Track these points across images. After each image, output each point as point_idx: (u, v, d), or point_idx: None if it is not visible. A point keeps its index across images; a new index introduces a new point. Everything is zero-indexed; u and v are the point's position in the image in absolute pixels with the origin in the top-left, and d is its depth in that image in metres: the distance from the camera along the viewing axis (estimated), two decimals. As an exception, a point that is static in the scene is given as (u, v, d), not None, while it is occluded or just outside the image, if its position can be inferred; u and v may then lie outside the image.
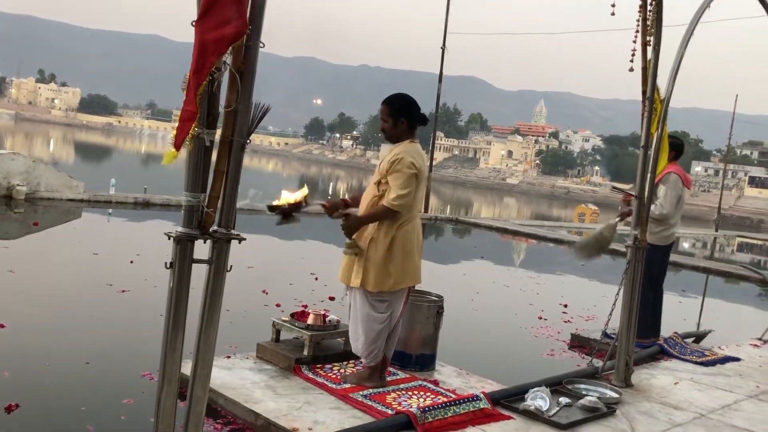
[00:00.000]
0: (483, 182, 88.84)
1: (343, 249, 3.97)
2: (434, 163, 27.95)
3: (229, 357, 4.39)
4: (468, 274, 10.79)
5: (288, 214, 3.60)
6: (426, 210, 18.99)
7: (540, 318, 7.18)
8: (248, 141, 2.29)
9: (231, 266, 2.32)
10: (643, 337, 5.74)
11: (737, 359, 5.88)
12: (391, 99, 4.05)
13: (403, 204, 3.83)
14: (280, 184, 41.44)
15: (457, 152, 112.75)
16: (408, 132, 3.99)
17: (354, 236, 3.91)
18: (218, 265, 2.30)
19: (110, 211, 12.74)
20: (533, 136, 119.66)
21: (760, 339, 6.79)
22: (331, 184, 53.33)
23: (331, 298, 6.56)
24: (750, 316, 9.35)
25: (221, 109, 2.26)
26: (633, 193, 4.75)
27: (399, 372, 4.41)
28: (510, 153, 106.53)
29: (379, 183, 3.94)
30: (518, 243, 16.03)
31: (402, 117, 3.96)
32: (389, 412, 3.66)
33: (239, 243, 2.32)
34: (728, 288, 12.32)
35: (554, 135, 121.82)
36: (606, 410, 4.07)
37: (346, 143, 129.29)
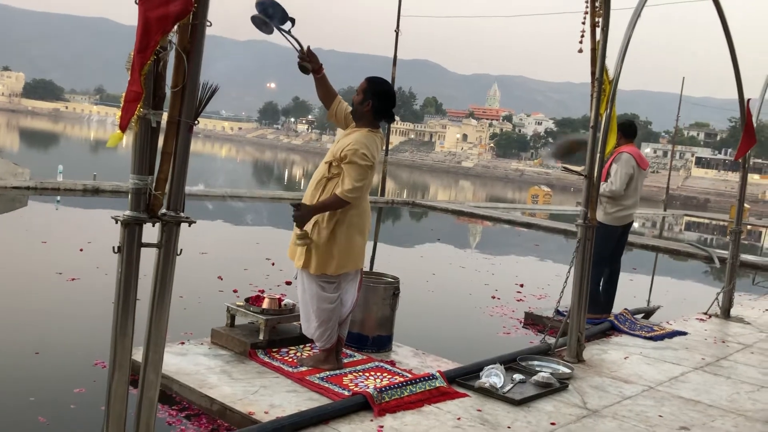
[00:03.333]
0: (439, 165, 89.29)
1: (293, 240, 3.94)
2: (390, 146, 27.94)
3: (183, 343, 4.34)
4: (424, 256, 10.86)
5: (271, 13, 3.56)
6: (383, 193, 19.01)
7: (494, 297, 7.28)
8: (196, 122, 2.25)
9: (181, 250, 2.29)
10: (595, 313, 5.88)
11: (684, 333, 6.06)
12: (374, 79, 4.06)
13: (357, 196, 3.82)
14: (234, 169, 40.92)
15: (413, 136, 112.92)
16: (370, 118, 3.97)
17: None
18: (168, 248, 2.27)
19: (58, 198, 12.40)
20: (487, 119, 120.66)
21: (705, 313, 7.02)
22: (287, 169, 52.90)
23: (288, 283, 6.53)
24: (696, 292, 9.65)
25: (168, 90, 2.21)
26: (583, 173, 4.83)
27: (356, 354, 4.43)
28: (465, 136, 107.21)
29: (330, 164, 3.92)
30: (474, 225, 16.19)
31: (370, 99, 3.94)
32: (346, 393, 3.67)
33: (189, 226, 2.29)
34: (676, 265, 12.69)
35: (508, 118, 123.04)
36: (559, 385, 4.16)
37: (301, 127, 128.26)
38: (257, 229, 12.16)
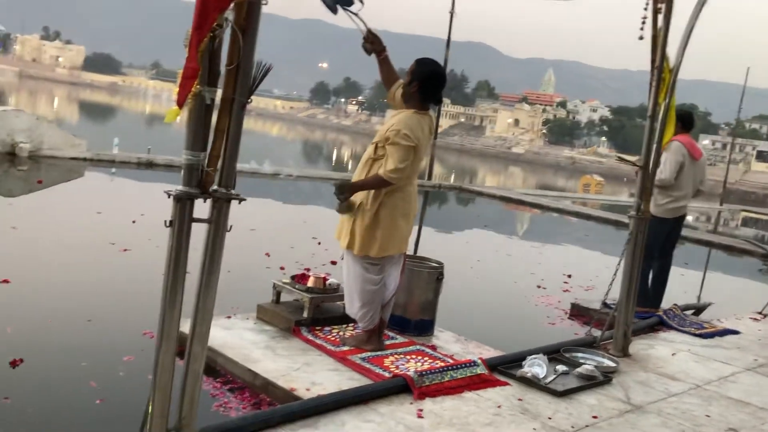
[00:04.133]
0: (488, 150, 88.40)
1: (341, 219, 3.96)
2: (440, 130, 27.77)
3: (229, 317, 4.42)
4: (470, 242, 10.80)
5: None
6: (430, 177, 18.93)
7: (540, 287, 7.19)
8: (250, 100, 2.27)
9: (231, 226, 2.32)
10: (643, 307, 5.75)
11: (736, 332, 5.89)
12: (423, 60, 4.04)
13: (399, 177, 3.80)
14: (284, 149, 41.34)
15: (463, 119, 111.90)
16: (417, 100, 3.95)
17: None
18: (218, 224, 2.30)
19: (113, 170, 12.73)
20: (541, 105, 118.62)
21: (760, 313, 6.80)
22: (335, 150, 53.14)
23: (333, 263, 6.58)
24: (751, 290, 9.36)
25: (223, 68, 2.23)
26: (638, 164, 4.71)
27: (398, 336, 4.44)
28: (517, 122, 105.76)
29: (376, 145, 3.93)
30: (522, 212, 16.01)
31: (417, 81, 3.92)
32: (387, 375, 3.69)
33: (239, 203, 2.32)
34: (730, 262, 12.32)
35: (562, 104, 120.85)
36: (602, 379, 4.10)
37: (351, 108, 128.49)
38: (305, 208, 12.27)
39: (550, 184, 42.84)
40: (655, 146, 4.69)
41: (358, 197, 3.90)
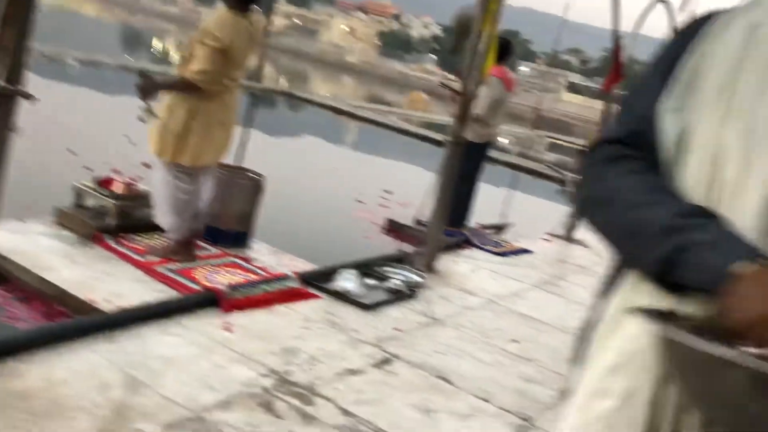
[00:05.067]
0: (322, 57, 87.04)
1: (138, 114, 3.68)
2: (273, 30, 26.74)
3: (22, 220, 4.03)
4: (294, 151, 10.72)
5: None
6: (259, 80, 18.34)
7: (359, 201, 7.36)
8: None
9: (18, 126, 2.07)
10: (451, 226, 6.09)
11: (530, 252, 6.45)
12: None
13: (205, 80, 3.59)
14: (99, 33, 37.80)
15: (297, 21, 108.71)
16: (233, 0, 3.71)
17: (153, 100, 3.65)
18: (3, 124, 2.05)
19: None
20: (377, 15, 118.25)
21: (551, 234, 7.49)
22: (158, 39, 49.51)
23: (146, 165, 6.21)
24: (547, 213, 10.26)
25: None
26: (459, 91, 4.86)
27: (210, 248, 4.33)
28: (352, 30, 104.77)
29: (193, 44, 3.69)
30: (349, 124, 16.10)
31: None
32: (196, 287, 3.61)
33: (29, 101, 2.07)
34: (533, 185, 13.38)
35: (397, 17, 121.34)
36: (408, 293, 4.32)
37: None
38: (118, 101, 11.40)
39: (380, 97, 43.34)
40: (474, 73, 4.84)
41: (165, 103, 3.65)
